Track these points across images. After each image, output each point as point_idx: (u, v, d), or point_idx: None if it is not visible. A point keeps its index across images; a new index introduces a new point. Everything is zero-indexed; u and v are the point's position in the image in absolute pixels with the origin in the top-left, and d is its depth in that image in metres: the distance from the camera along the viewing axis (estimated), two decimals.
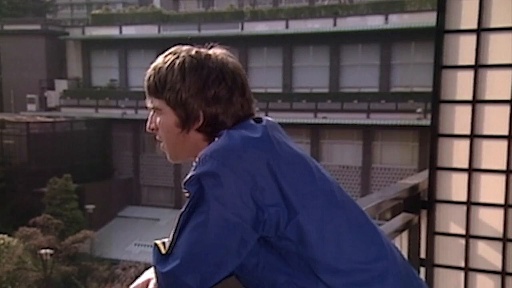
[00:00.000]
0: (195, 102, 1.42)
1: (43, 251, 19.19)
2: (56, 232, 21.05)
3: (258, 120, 1.47)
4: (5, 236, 19.08)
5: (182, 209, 1.33)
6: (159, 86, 1.45)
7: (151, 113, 1.50)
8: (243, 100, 1.46)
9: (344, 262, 1.38)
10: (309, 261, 1.36)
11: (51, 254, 19.30)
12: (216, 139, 1.39)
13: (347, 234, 1.41)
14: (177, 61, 1.44)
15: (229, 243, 1.32)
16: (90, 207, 25.29)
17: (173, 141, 1.48)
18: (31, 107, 32.15)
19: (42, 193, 24.25)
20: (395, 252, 1.51)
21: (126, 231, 26.63)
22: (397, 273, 1.44)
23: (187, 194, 1.34)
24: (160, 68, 1.45)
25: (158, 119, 1.48)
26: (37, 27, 32.52)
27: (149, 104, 1.49)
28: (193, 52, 1.45)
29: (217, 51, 1.48)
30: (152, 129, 1.51)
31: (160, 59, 1.47)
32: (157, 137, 1.52)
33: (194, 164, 1.36)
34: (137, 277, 1.45)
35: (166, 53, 1.48)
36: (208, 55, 1.46)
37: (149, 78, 1.47)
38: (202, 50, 1.48)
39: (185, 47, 1.48)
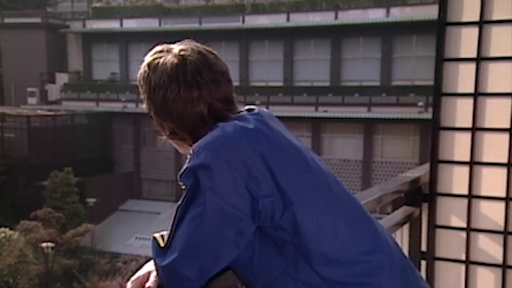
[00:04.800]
0: (154, 113, 1.47)
1: (44, 244, 19.22)
2: (57, 225, 21.09)
3: (251, 111, 1.47)
4: (6, 229, 19.10)
5: (179, 202, 1.34)
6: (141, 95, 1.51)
7: None
8: (199, 103, 1.41)
9: (340, 253, 1.38)
10: (305, 252, 1.36)
11: (52, 248, 19.34)
12: (210, 132, 1.38)
13: (343, 225, 1.41)
14: (139, 72, 1.48)
15: (226, 234, 1.32)
16: (91, 200, 25.32)
17: (169, 140, 1.53)
18: (31, 100, 32.13)
19: (43, 186, 24.28)
20: (392, 244, 1.50)
21: (127, 224, 26.68)
22: (393, 265, 1.44)
23: (183, 187, 1.34)
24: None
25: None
26: (37, 20, 32.44)
27: None
28: (148, 60, 1.46)
29: (177, 49, 1.45)
30: None
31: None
32: None
33: (188, 156, 1.36)
34: (138, 269, 1.45)
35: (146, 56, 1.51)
36: (156, 64, 1.43)
37: None
38: (160, 54, 1.45)
39: (151, 52, 1.48)
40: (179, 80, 1.40)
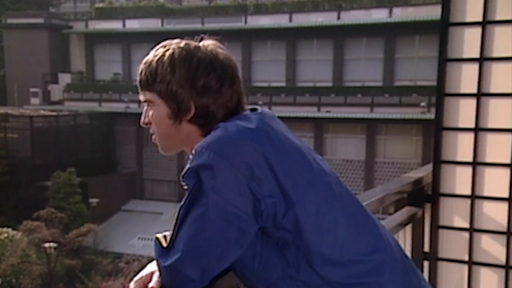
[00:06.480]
0: (185, 92, 1.43)
1: (47, 244, 19.23)
2: (60, 225, 21.09)
3: (254, 111, 1.47)
4: (9, 229, 19.13)
5: (182, 202, 1.34)
6: (150, 79, 1.46)
7: (145, 107, 1.52)
8: (232, 91, 1.47)
9: (341, 253, 1.38)
10: (306, 252, 1.35)
11: (55, 248, 19.35)
12: (212, 132, 1.38)
13: (344, 226, 1.41)
14: (167, 53, 1.45)
15: (229, 234, 1.32)
16: (93, 201, 25.33)
17: (166, 133, 1.49)
18: (34, 100, 32.15)
19: (46, 186, 24.29)
20: (393, 244, 1.50)
21: (130, 225, 26.69)
22: (394, 266, 1.44)
23: (185, 187, 1.34)
24: (151, 61, 1.47)
25: (151, 113, 1.49)
26: (40, 20, 32.46)
27: (141, 98, 1.50)
28: (182, 44, 1.46)
29: (207, 43, 1.49)
30: (146, 124, 1.52)
31: (151, 53, 1.49)
32: (151, 130, 1.53)
33: (190, 156, 1.36)
34: (140, 270, 1.45)
35: (157, 47, 1.49)
36: (198, 47, 1.46)
37: (141, 72, 1.48)
38: (192, 42, 1.48)
39: (175, 41, 1.48)
40: (218, 69, 1.44)
